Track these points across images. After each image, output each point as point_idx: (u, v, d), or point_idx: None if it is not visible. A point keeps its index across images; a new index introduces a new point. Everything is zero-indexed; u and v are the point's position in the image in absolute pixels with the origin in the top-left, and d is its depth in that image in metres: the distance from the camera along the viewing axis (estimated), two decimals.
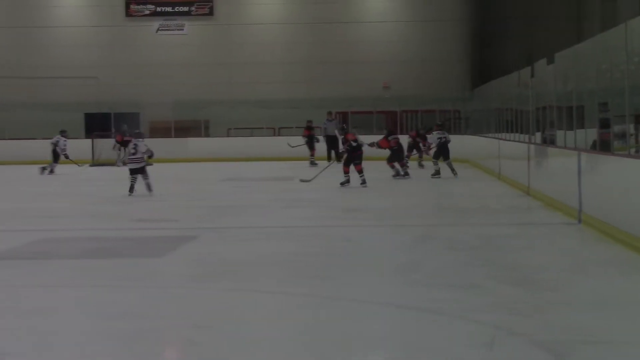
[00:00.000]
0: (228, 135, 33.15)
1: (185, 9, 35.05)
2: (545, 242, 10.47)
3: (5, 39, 34.80)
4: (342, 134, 19.93)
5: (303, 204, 15.32)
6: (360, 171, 18.11)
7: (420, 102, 31.90)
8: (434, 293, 7.32)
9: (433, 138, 21.73)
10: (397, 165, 20.28)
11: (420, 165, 24.28)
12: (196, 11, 35.06)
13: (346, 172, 18.22)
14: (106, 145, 28.47)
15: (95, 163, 28.20)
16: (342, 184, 18.13)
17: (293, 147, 26.99)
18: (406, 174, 20.35)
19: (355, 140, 18.37)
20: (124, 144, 28.14)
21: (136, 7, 35.06)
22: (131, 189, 16.49)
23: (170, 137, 31.90)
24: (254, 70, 34.74)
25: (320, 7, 34.83)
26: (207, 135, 32.87)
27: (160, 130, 32.51)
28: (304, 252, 9.81)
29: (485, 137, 23.36)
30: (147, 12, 35.10)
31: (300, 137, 27.35)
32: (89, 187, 19.93)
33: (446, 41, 34.31)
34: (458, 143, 27.56)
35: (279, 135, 32.79)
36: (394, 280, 8.19)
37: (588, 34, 17.30)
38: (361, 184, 17.96)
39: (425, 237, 11.00)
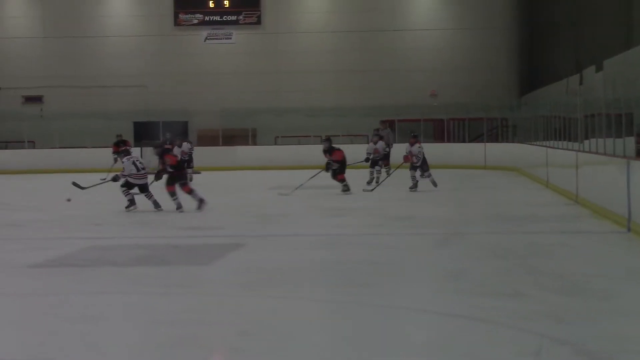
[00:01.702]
0: (275, 144, 33.27)
1: (233, 18, 35.27)
2: (594, 251, 10.38)
3: (56, 49, 35.27)
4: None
5: (349, 212, 15.33)
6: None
7: (468, 110, 31.78)
8: (480, 301, 7.29)
9: (416, 150, 19.56)
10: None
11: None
12: (244, 20, 35.26)
13: None
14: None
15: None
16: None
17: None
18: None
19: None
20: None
21: (185, 16, 35.37)
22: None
23: (218, 145, 32.13)
24: (301, 78, 34.84)
25: (367, 15, 34.84)
26: (254, 143, 33.00)
27: (208, 139, 32.75)
28: (349, 260, 9.82)
29: (533, 145, 23.18)
30: (196, 21, 35.39)
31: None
32: (138, 194, 20.06)
33: (494, 49, 34.13)
34: (506, 151, 27.51)
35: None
36: (439, 288, 8.17)
37: (637, 40, 17.09)
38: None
39: (471, 245, 10.95)
